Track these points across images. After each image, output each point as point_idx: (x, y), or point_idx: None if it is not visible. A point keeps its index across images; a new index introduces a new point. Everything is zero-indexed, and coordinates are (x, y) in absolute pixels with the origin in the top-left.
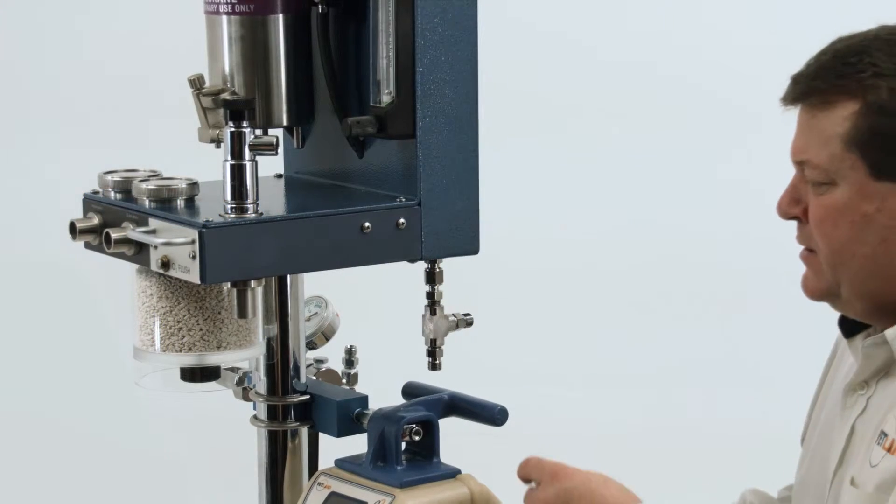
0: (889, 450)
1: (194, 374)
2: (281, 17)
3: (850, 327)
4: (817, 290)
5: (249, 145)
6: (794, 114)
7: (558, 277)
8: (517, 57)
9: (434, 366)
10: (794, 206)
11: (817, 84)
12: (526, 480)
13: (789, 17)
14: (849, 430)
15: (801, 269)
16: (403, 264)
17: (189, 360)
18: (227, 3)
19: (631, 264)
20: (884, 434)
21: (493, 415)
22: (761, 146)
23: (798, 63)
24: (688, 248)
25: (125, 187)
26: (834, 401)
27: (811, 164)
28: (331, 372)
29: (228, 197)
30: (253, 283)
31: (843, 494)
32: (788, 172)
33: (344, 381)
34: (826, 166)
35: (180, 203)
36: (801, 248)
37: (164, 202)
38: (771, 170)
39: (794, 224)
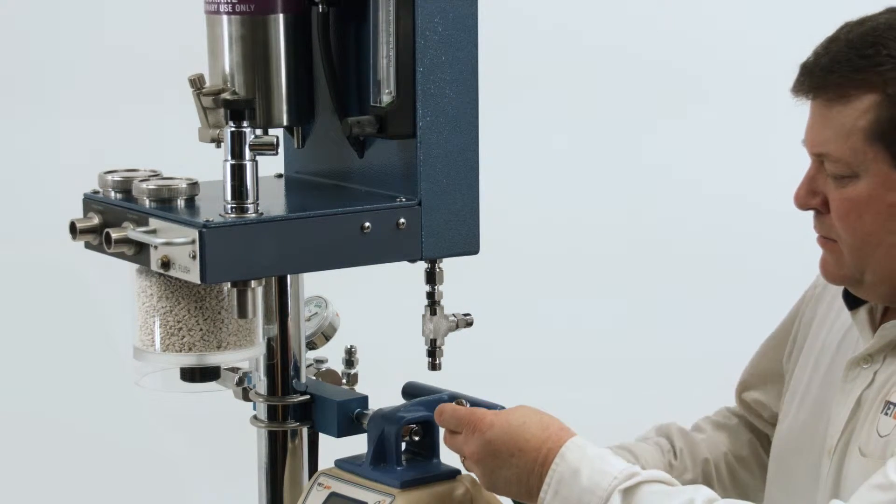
0: None
1: (194, 375)
2: (281, 16)
3: (853, 299)
4: (838, 276)
5: (249, 145)
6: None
7: (558, 277)
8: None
9: (434, 366)
10: (812, 198)
11: (834, 78)
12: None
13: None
14: (854, 403)
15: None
16: (403, 264)
17: (189, 360)
18: (227, 3)
19: (634, 265)
20: (891, 404)
21: None
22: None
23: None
24: (694, 247)
25: (125, 187)
26: (825, 371)
27: (832, 157)
28: (331, 372)
29: (228, 197)
30: (253, 283)
31: (851, 464)
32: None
33: (344, 381)
34: (848, 160)
35: (180, 203)
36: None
37: (165, 202)
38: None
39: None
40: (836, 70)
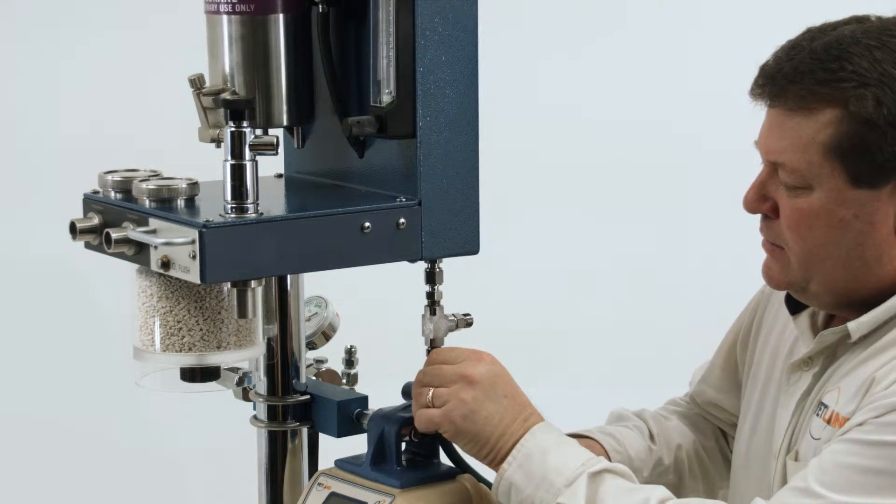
0: (829, 421)
1: (194, 375)
2: (281, 16)
3: (795, 304)
4: (783, 282)
5: (249, 145)
6: None
7: (559, 277)
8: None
9: None
10: (762, 203)
11: (796, 89)
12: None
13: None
14: (794, 407)
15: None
16: (403, 264)
17: (189, 360)
18: (227, 3)
19: (634, 265)
20: (823, 405)
21: None
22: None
23: None
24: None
25: (125, 187)
26: (778, 375)
27: (787, 167)
28: (331, 372)
29: (228, 197)
30: (253, 283)
31: (789, 468)
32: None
33: (344, 381)
34: (804, 171)
35: (180, 203)
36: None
37: (165, 202)
38: None
39: None
40: (798, 81)
